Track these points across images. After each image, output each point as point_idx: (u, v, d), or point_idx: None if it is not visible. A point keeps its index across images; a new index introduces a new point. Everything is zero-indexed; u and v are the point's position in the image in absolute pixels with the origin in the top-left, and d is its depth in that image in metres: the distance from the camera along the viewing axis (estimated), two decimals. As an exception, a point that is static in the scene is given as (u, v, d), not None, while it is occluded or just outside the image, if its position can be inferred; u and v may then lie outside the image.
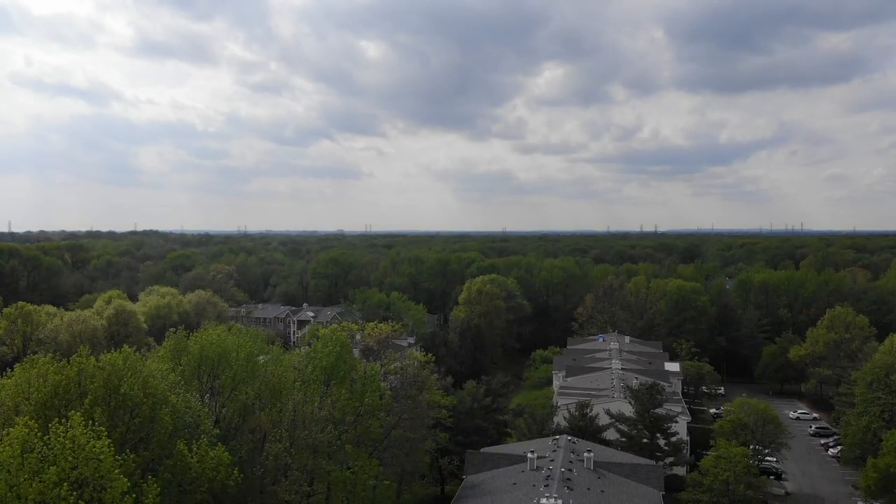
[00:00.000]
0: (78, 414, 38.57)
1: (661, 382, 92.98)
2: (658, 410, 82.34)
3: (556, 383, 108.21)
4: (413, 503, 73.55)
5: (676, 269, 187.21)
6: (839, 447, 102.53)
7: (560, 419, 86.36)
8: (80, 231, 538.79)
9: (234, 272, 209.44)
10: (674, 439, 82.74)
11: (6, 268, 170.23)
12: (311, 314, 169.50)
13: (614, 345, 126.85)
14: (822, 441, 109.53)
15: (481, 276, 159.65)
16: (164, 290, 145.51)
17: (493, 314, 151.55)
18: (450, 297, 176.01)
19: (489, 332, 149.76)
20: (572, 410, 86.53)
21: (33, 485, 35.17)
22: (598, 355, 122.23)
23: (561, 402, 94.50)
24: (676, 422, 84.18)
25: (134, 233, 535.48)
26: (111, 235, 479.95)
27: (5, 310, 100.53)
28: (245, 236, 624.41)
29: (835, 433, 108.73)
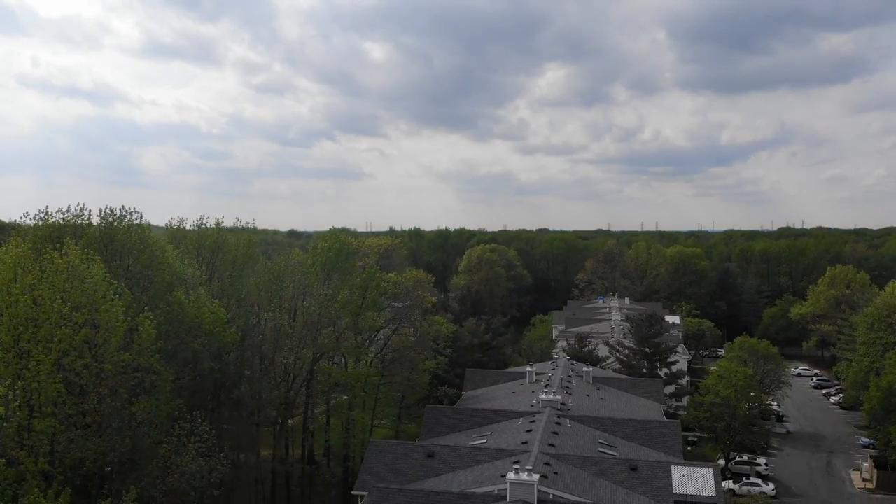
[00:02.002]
0: (73, 242, 38.38)
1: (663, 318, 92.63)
2: (657, 340, 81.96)
3: (555, 334, 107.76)
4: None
5: (678, 238, 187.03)
6: (840, 395, 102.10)
7: (559, 350, 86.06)
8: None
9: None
10: (674, 369, 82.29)
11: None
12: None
13: (614, 303, 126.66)
14: (824, 391, 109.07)
15: (482, 245, 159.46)
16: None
17: (493, 281, 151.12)
18: (450, 270, 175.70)
19: (489, 299, 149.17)
20: (571, 342, 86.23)
21: (25, 302, 34.83)
22: (597, 312, 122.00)
23: (560, 339, 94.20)
24: (677, 352, 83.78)
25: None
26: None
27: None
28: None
29: (836, 384, 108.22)
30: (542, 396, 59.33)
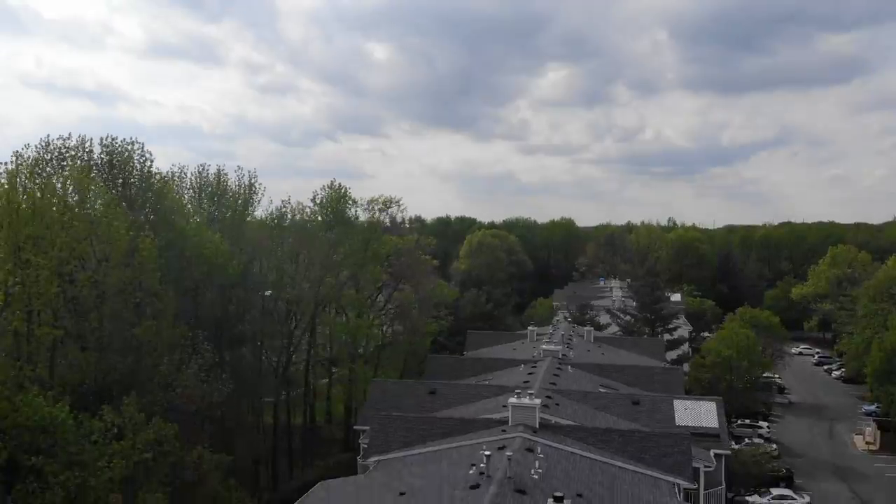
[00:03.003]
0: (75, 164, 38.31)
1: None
2: (659, 306, 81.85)
3: (556, 306, 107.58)
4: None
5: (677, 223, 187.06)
6: (842, 370, 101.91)
7: (560, 316, 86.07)
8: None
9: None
10: (676, 335, 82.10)
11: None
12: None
13: (615, 283, 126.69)
14: (825, 367, 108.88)
15: (482, 230, 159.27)
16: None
17: (494, 266, 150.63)
18: (451, 257, 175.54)
19: (490, 284, 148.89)
20: (572, 310, 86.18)
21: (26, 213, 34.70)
22: (599, 291, 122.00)
23: (561, 308, 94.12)
24: (678, 318, 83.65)
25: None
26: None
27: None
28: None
29: (838, 360, 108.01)
30: (544, 347, 59.30)
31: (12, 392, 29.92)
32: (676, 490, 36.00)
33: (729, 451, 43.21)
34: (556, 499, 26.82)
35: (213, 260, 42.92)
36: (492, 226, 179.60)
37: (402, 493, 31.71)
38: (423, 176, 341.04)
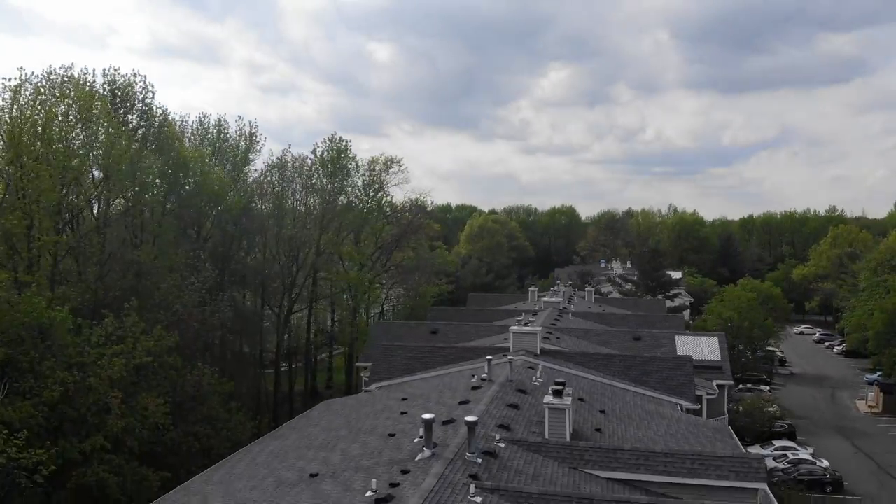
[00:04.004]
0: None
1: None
2: (660, 273, 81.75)
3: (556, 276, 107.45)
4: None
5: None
6: (843, 345, 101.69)
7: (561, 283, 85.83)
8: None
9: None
10: (677, 302, 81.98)
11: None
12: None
13: (616, 265, 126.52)
14: (827, 344, 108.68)
15: (483, 215, 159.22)
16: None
17: (494, 250, 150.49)
18: (451, 244, 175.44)
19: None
20: (574, 279, 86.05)
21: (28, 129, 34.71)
22: (600, 271, 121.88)
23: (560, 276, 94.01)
24: (679, 283, 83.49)
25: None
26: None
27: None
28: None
29: (840, 338, 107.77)
30: (545, 299, 59.25)
31: (9, 292, 29.81)
32: (679, 410, 35.92)
33: (731, 382, 43.05)
34: (557, 385, 26.69)
35: (212, 189, 42.87)
36: (492, 213, 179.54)
37: (403, 399, 31.67)
38: (424, 176, 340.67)
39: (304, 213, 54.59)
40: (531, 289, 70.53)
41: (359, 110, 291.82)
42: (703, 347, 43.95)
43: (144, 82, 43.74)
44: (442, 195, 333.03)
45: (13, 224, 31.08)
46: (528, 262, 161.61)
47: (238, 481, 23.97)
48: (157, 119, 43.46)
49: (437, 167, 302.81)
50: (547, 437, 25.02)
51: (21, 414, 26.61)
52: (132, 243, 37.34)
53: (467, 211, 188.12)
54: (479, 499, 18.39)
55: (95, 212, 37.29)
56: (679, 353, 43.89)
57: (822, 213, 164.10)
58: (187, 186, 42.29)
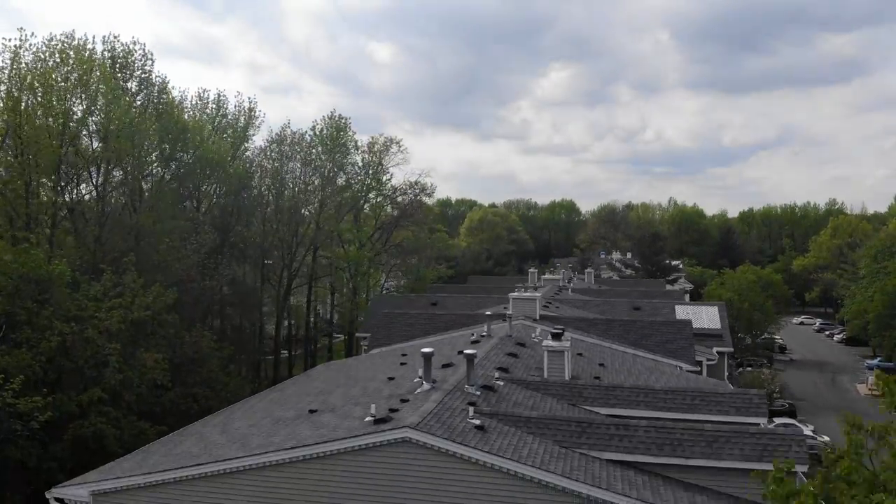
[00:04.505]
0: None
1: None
2: (660, 258, 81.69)
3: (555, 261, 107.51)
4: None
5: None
6: (843, 333, 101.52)
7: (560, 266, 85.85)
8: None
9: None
10: (677, 286, 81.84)
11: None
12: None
13: (616, 254, 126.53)
14: (827, 333, 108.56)
15: (483, 208, 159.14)
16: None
17: (495, 243, 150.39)
18: (451, 237, 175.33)
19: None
20: (574, 265, 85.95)
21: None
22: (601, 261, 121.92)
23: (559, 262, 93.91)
24: (679, 270, 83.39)
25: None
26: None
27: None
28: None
29: (840, 327, 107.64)
30: (546, 276, 59.19)
31: (6, 246, 29.72)
32: (679, 371, 35.81)
33: (731, 349, 42.93)
34: (556, 329, 26.63)
35: (211, 158, 42.80)
36: (492, 206, 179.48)
37: (403, 355, 31.57)
38: (424, 176, 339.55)
39: (303, 187, 54.57)
40: (531, 270, 70.42)
41: (359, 110, 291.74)
42: (704, 316, 43.86)
43: (144, 50, 43.70)
44: (442, 194, 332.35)
45: (11, 178, 30.98)
46: (527, 256, 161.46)
47: (236, 422, 23.89)
48: (156, 87, 43.41)
49: (437, 167, 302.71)
50: (546, 377, 24.96)
51: (18, 361, 26.50)
52: (131, 208, 37.23)
53: (467, 205, 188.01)
54: (477, 420, 18.33)
55: (94, 175, 37.18)
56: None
57: (822, 206, 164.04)
58: (186, 155, 42.21)
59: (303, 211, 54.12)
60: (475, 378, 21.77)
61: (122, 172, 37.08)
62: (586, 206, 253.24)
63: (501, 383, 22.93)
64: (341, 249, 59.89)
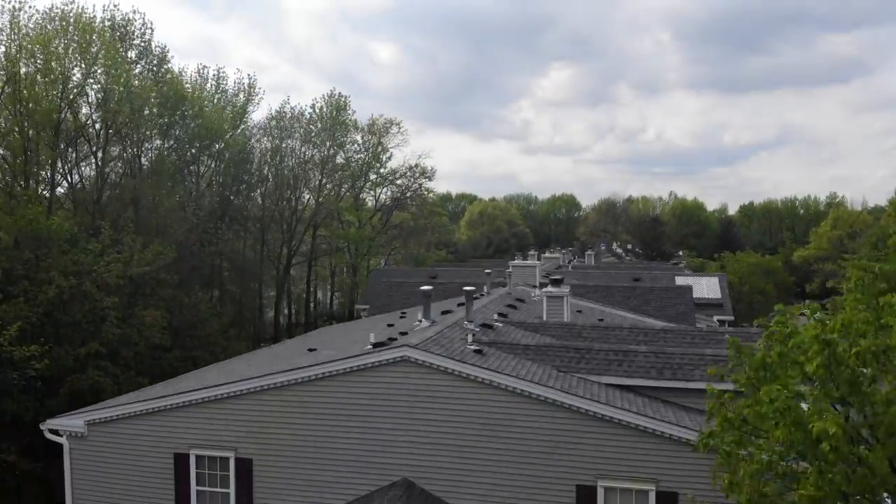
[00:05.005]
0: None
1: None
2: (659, 242, 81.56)
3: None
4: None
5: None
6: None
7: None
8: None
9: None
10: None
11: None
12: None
13: (616, 245, 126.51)
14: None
15: (483, 202, 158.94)
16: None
17: (495, 235, 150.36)
18: (452, 225, 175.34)
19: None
20: (574, 250, 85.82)
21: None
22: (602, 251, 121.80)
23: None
24: (679, 254, 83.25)
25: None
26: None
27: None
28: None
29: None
30: (547, 255, 59.09)
31: (6, 200, 29.62)
32: (680, 335, 35.67)
33: (732, 318, 42.83)
34: (555, 277, 26.53)
35: (211, 125, 42.70)
36: (493, 200, 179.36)
37: (403, 312, 31.48)
38: (424, 158, 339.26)
39: (302, 164, 54.52)
40: (531, 252, 70.35)
41: (360, 110, 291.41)
42: (704, 286, 43.78)
43: (144, 19, 43.66)
44: (443, 189, 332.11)
45: (9, 130, 30.84)
46: (528, 247, 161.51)
47: (233, 365, 23.82)
48: (156, 57, 43.31)
49: (437, 167, 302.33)
50: (545, 320, 24.89)
51: (15, 310, 26.38)
52: (131, 173, 37.13)
53: (468, 199, 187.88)
54: (475, 346, 18.25)
55: (92, 142, 37.06)
56: (679, 291, 43.64)
57: (822, 199, 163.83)
58: (186, 121, 42.10)
59: (302, 188, 54.02)
60: (474, 315, 21.68)
61: (119, 138, 36.88)
62: (587, 202, 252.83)
63: (500, 324, 22.84)
64: (341, 230, 59.80)
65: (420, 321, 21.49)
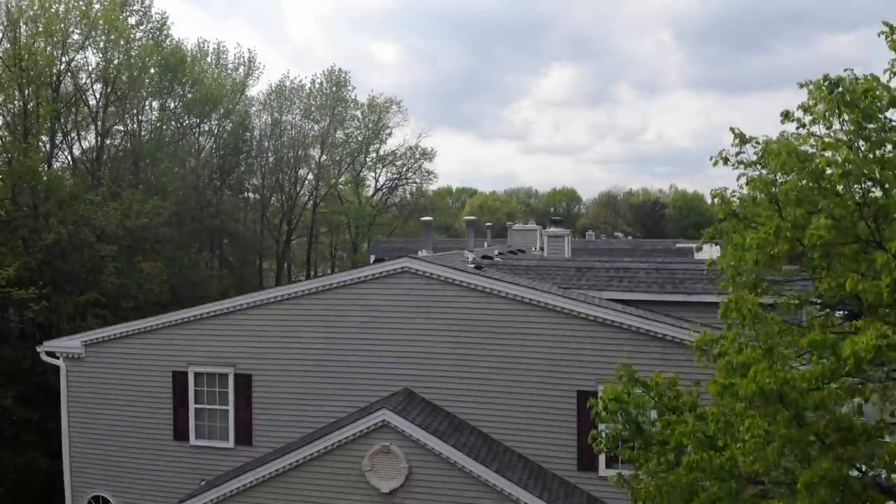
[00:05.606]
0: None
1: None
2: (660, 224, 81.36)
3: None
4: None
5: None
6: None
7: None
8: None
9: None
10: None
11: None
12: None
13: (618, 235, 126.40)
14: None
15: (484, 195, 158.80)
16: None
17: (495, 227, 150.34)
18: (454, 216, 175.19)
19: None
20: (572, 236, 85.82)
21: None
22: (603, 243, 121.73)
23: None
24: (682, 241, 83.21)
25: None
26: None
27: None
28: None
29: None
30: (549, 231, 58.97)
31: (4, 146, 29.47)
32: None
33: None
34: (556, 218, 26.46)
35: (210, 91, 42.58)
36: (493, 194, 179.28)
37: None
38: (424, 136, 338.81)
39: (302, 139, 54.43)
40: (530, 222, 70.22)
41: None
42: (706, 252, 43.60)
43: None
44: (443, 183, 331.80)
45: (7, 84, 30.63)
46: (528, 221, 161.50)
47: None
48: (156, 23, 43.17)
49: (437, 167, 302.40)
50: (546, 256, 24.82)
51: (13, 251, 26.24)
52: (130, 135, 37.03)
53: (468, 193, 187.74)
54: (474, 264, 18.15)
55: (91, 102, 36.93)
56: (680, 260, 43.62)
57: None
58: (186, 86, 41.98)
59: (301, 162, 53.89)
60: (473, 245, 21.62)
61: (119, 102, 36.72)
62: (587, 197, 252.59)
63: (500, 260, 22.76)
64: (341, 206, 59.72)
65: (422, 251, 21.45)
